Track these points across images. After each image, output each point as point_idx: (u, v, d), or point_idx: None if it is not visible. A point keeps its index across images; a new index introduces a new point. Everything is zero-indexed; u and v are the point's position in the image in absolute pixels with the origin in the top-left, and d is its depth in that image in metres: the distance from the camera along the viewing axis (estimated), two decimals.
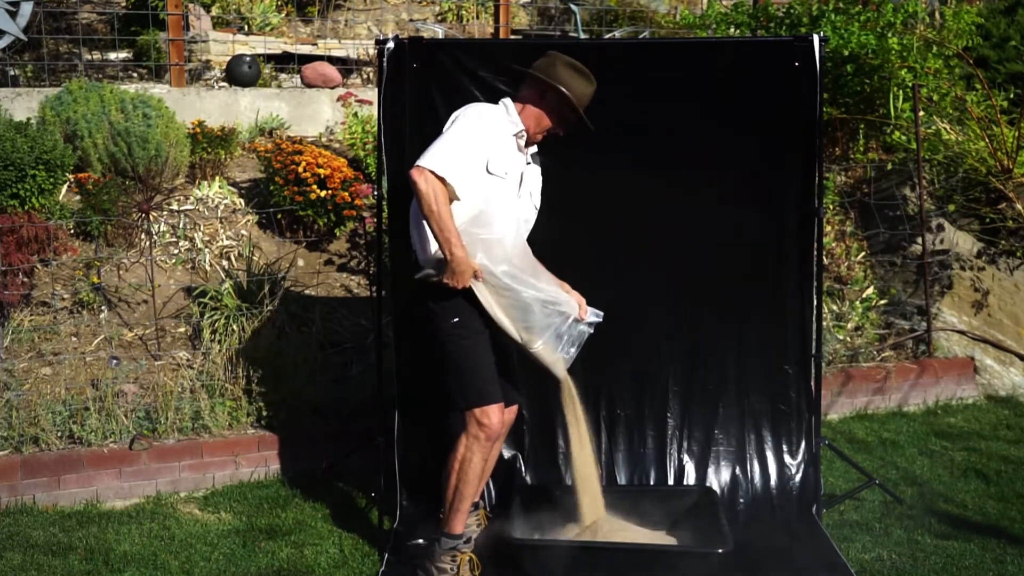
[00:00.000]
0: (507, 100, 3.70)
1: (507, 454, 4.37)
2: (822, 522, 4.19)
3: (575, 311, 3.65)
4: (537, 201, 3.81)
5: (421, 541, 3.98)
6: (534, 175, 3.77)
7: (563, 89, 3.57)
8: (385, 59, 4.05)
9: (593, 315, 3.70)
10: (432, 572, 3.65)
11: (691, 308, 4.36)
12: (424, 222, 3.46)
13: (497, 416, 3.53)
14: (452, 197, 3.43)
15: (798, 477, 4.36)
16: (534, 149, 3.77)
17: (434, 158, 3.41)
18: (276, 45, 7.99)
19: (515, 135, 3.64)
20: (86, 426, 4.52)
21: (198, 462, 4.57)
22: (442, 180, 3.38)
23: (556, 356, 3.62)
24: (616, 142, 4.20)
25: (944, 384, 5.84)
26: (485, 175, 3.53)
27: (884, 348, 5.96)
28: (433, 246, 3.51)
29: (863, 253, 6.49)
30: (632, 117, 4.18)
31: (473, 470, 3.56)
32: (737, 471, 4.38)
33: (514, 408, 3.82)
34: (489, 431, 3.52)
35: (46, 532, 4.07)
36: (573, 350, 3.64)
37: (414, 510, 4.17)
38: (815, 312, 4.35)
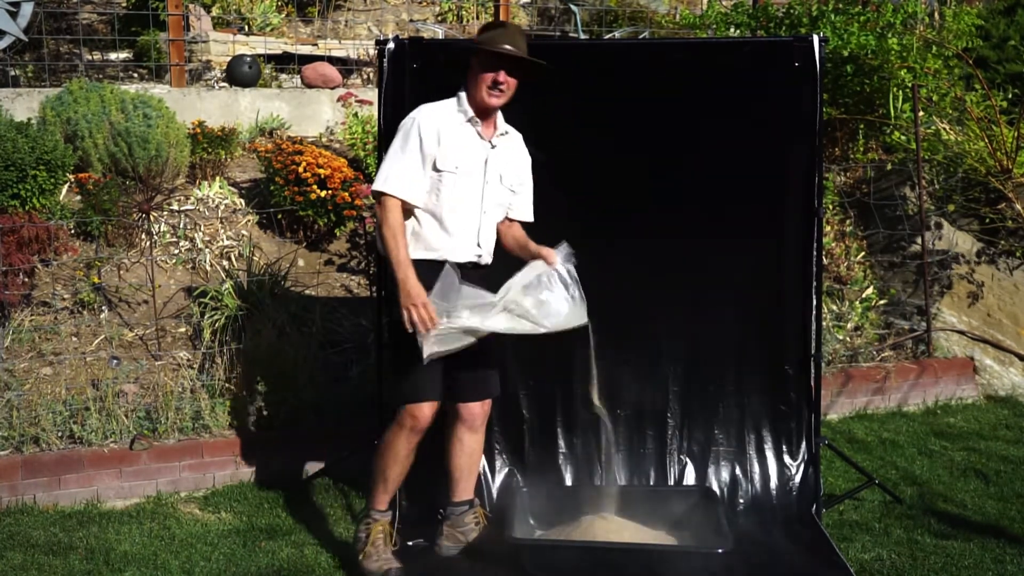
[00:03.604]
0: (461, 92, 3.75)
1: (507, 454, 4.38)
2: (822, 522, 4.19)
3: (542, 268, 3.68)
4: (515, 182, 3.84)
5: (421, 540, 4.00)
6: (504, 157, 3.80)
7: (472, 42, 3.69)
8: (385, 59, 4.06)
9: (561, 255, 3.70)
10: (357, 538, 3.86)
11: (691, 308, 4.36)
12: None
13: (426, 413, 3.69)
14: (408, 208, 3.64)
15: (798, 477, 4.36)
16: (505, 131, 3.81)
17: (381, 179, 3.65)
18: (276, 45, 7.99)
19: (468, 122, 3.70)
20: (86, 426, 4.53)
21: (198, 462, 4.58)
22: (395, 197, 3.60)
23: (566, 311, 3.65)
24: (616, 142, 4.21)
25: (944, 384, 5.85)
26: (435, 175, 3.65)
27: (884, 348, 5.96)
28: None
29: (863, 253, 6.50)
30: (632, 117, 4.19)
31: (395, 455, 3.76)
32: (737, 471, 4.38)
33: (488, 401, 3.90)
34: (416, 425, 3.69)
35: (47, 532, 4.07)
36: (575, 292, 3.67)
37: (413, 510, 4.17)
38: (815, 312, 4.36)
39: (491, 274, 3.82)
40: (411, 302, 3.52)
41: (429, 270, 3.65)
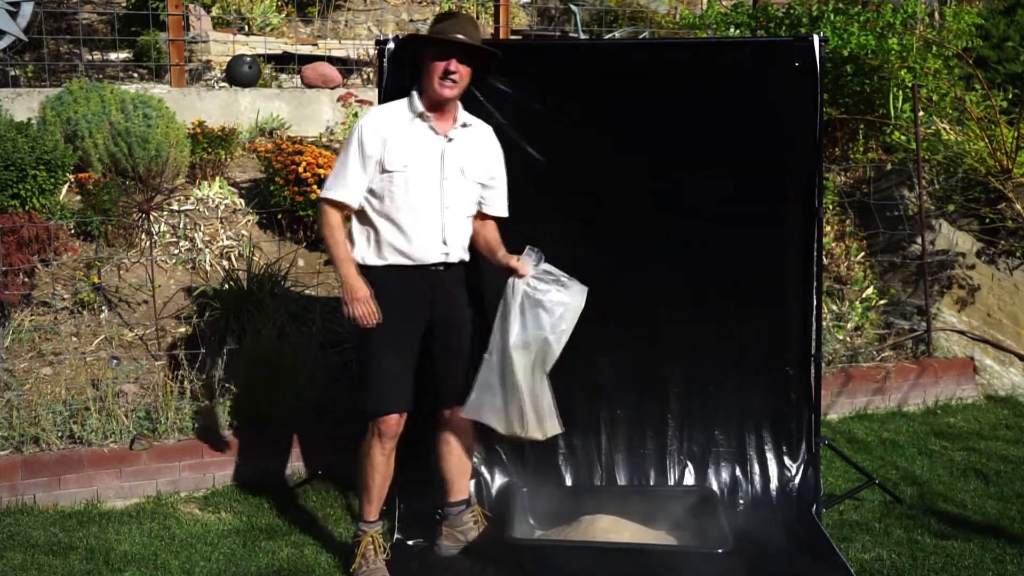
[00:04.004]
0: (414, 91, 3.70)
1: (507, 455, 4.38)
2: (822, 522, 4.19)
3: (516, 285, 3.63)
4: (481, 175, 3.75)
5: (421, 540, 4.00)
6: (465, 150, 3.71)
7: (423, 35, 3.68)
8: (385, 59, 4.06)
9: (530, 261, 3.64)
10: (352, 550, 3.83)
11: (691, 308, 4.35)
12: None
13: (392, 423, 3.68)
14: (352, 212, 3.64)
15: (798, 477, 4.36)
16: (466, 123, 3.73)
17: (326, 186, 3.66)
18: (276, 45, 7.99)
19: (419, 117, 3.64)
20: (86, 426, 4.53)
21: (198, 462, 4.57)
22: (335, 203, 3.61)
23: (569, 300, 3.63)
24: (616, 143, 4.21)
25: (944, 384, 5.84)
26: (386, 176, 3.60)
27: (884, 348, 5.96)
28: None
29: (863, 253, 6.50)
30: (632, 117, 4.18)
31: (372, 464, 3.74)
32: (737, 471, 4.38)
33: None
34: (386, 433, 3.69)
35: (47, 532, 4.07)
36: (561, 278, 3.64)
37: (412, 510, 4.18)
38: (815, 312, 4.36)
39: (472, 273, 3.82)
40: (352, 296, 3.53)
41: (396, 275, 3.63)
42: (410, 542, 3.99)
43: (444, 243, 3.67)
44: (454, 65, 3.58)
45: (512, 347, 3.57)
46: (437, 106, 3.65)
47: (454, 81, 3.59)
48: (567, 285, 3.64)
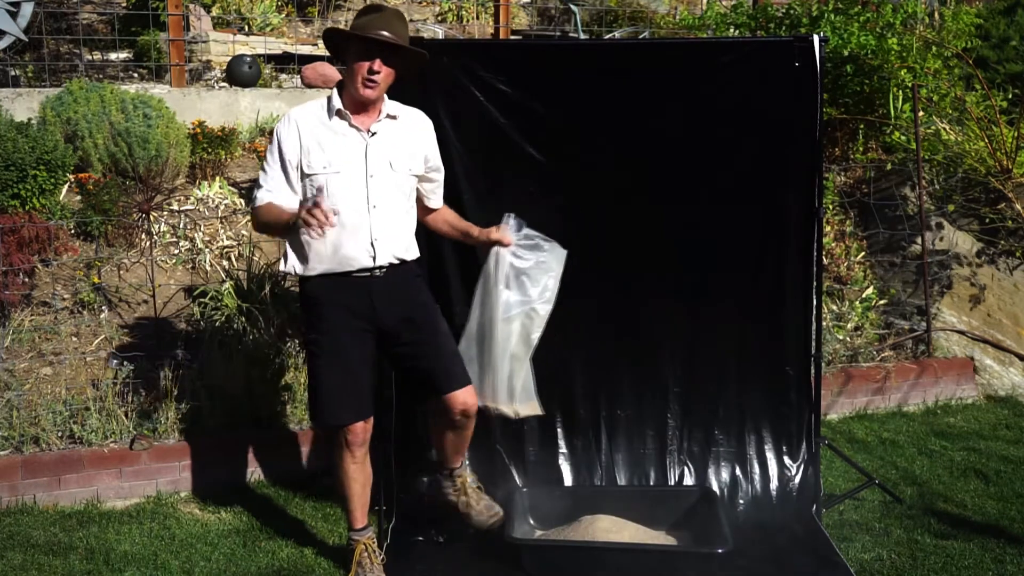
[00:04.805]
0: (334, 88, 3.54)
1: (507, 454, 4.38)
2: (822, 522, 4.19)
3: (501, 256, 3.58)
4: (414, 167, 3.56)
5: (420, 538, 4.00)
6: (391, 142, 3.51)
7: (343, 30, 3.49)
8: None
9: (511, 228, 3.58)
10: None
11: (691, 308, 4.36)
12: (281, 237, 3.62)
13: (357, 431, 3.60)
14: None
15: (798, 477, 4.36)
16: (392, 113, 3.53)
17: (254, 196, 3.56)
18: (276, 45, 7.99)
19: (336, 115, 3.47)
20: (86, 426, 4.53)
21: (198, 462, 4.56)
22: (257, 205, 3.50)
23: (552, 259, 3.59)
24: (615, 142, 4.21)
25: (944, 384, 5.84)
26: (307, 179, 3.45)
27: (884, 348, 5.96)
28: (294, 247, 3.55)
29: (863, 253, 6.50)
30: (632, 118, 4.18)
31: (346, 472, 3.67)
32: (737, 471, 4.38)
33: (471, 388, 3.71)
34: (352, 440, 3.61)
35: (47, 532, 4.07)
36: (545, 244, 3.60)
37: (412, 510, 4.18)
38: (815, 312, 4.36)
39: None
40: (303, 210, 3.22)
41: (330, 284, 3.49)
42: (408, 541, 3.98)
43: (372, 246, 3.46)
44: (377, 65, 3.38)
45: (497, 320, 3.51)
46: (360, 106, 3.48)
47: (375, 82, 3.40)
48: (548, 248, 3.59)
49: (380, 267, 3.50)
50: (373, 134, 3.50)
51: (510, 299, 3.57)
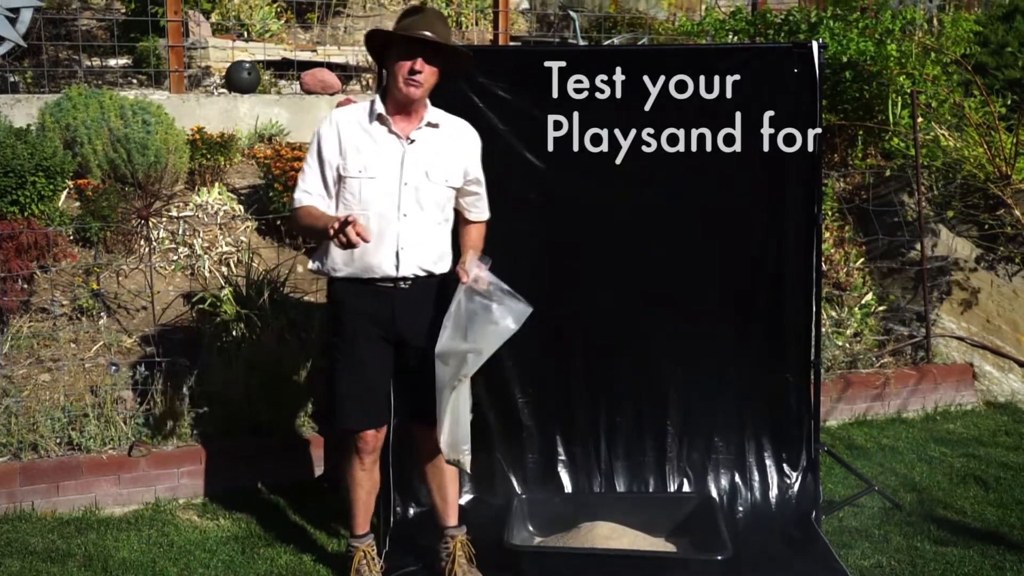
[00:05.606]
0: (378, 93, 3.56)
1: (507, 462, 4.37)
2: (821, 529, 4.19)
3: (457, 291, 3.36)
4: (451, 177, 3.52)
5: (419, 541, 3.99)
6: (431, 151, 3.49)
7: (386, 30, 3.48)
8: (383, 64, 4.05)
9: (473, 264, 3.39)
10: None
11: (690, 315, 4.35)
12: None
13: (367, 439, 3.62)
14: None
15: (797, 484, 4.36)
16: (434, 122, 3.52)
17: (294, 194, 3.56)
18: (275, 51, 7.99)
19: (376, 120, 3.47)
20: (85, 433, 4.52)
21: (197, 469, 4.57)
22: (297, 208, 3.51)
23: (495, 318, 3.34)
24: (615, 147, 4.21)
25: (943, 390, 5.84)
26: (343, 181, 3.46)
27: (883, 354, 5.96)
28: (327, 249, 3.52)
29: (862, 259, 6.50)
30: (631, 123, 4.18)
31: (354, 479, 3.70)
32: (736, 478, 4.38)
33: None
34: (361, 451, 3.64)
35: (45, 539, 4.06)
36: (507, 298, 3.34)
37: (411, 515, 4.18)
38: (814, 318, 4.35)
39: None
40: (333, 223, 3.20)
41: (352, 290, 3.49)
42: (407, 547, 3.98)
43: (397, 255, 3.43)
44: (420, 64, 3.37)
45: (436, 354, 3.35)
46: (402, 107, 3.47)
47: (419, 82, 3.39)
48: (506, 303, 3.34)
49: (404, 278, 3.47)
50: (412, 141, 3.48)
51: (452, 338, 3.34)
